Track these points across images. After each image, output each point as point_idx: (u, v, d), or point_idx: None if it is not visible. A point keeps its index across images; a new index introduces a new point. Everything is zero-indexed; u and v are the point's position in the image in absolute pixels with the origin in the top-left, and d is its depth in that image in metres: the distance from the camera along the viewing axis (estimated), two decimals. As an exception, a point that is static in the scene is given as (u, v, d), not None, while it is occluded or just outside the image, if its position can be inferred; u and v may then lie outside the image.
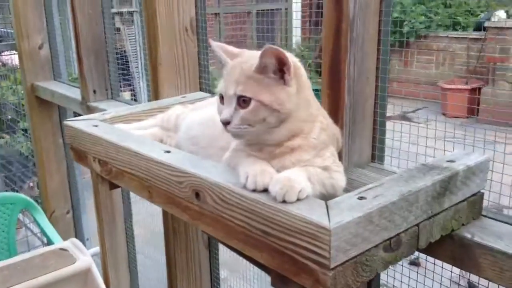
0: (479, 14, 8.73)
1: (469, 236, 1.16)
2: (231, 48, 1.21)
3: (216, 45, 1.20)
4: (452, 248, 1.17)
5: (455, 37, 8.17)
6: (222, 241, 1.15)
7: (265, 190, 1.02)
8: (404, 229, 1.03)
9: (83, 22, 2.50)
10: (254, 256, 1.05)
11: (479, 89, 7.36)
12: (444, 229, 1.14)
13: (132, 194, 2.62)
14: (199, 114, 1.50)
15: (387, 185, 1.05)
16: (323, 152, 1.14)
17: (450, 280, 1.86)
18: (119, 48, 6.33)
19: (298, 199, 0.98)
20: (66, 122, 1.70)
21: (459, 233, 1.17)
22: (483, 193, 1.23)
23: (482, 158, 1.21)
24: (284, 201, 0.97)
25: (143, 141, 1.42)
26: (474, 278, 1.33)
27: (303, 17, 7.46)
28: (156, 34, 1.94)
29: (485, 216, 1.24)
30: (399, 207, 1.00)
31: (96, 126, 1.61)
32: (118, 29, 6.66)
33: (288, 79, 1.08)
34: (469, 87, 7.37)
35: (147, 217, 3.77)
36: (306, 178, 1.03)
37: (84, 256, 2.08)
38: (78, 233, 3.60)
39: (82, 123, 1.65)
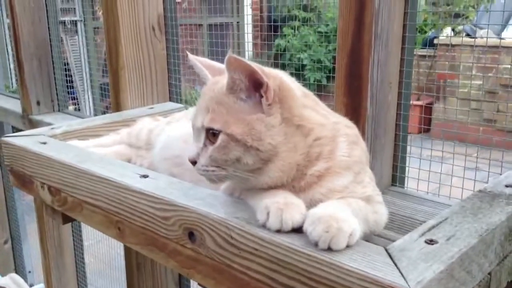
0: (426, 32, 8.82)
1: (539, 281, 0.91)
2: (213, 62, 0.94)
3: (194, 59, 0.93)
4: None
5: (405, 54, 8.20)
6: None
7: (294, 230, 0.74)
8: (478, 281, 0.77)
9: (24, 20, 2.13)
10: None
11: (430, 105, 7.38)
12: (511, 273, 0.89)
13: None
14: (180, 127, 1.20)
15: (454, 220, 0.79)
16: (361, 176, 0.87)
17: None
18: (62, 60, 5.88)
19: (347, 246, 0.70)
20: (4, 139, 1.35)
21: (524, 277, 0.92)
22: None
23: (542, 181, 0.97)
24: (329, 248, 0.69)
25: (110, 162, 1.10)
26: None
27: (254, 31, 7.22)
28: (117, 33, 1.62)
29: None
30: (477, 252, 0.74)
31: (44, 143, 1.28)
32: (61, 40, 6.20)
33: (266, 106, 0.80)
34: (421, 103, 7.37)
35: (99, 241, 3.39)
36: (352, 215, 0.75)
37: (26, 296, 1.79)
38: (19, 266, 3.21)
39: (25, 140, 1.31)
